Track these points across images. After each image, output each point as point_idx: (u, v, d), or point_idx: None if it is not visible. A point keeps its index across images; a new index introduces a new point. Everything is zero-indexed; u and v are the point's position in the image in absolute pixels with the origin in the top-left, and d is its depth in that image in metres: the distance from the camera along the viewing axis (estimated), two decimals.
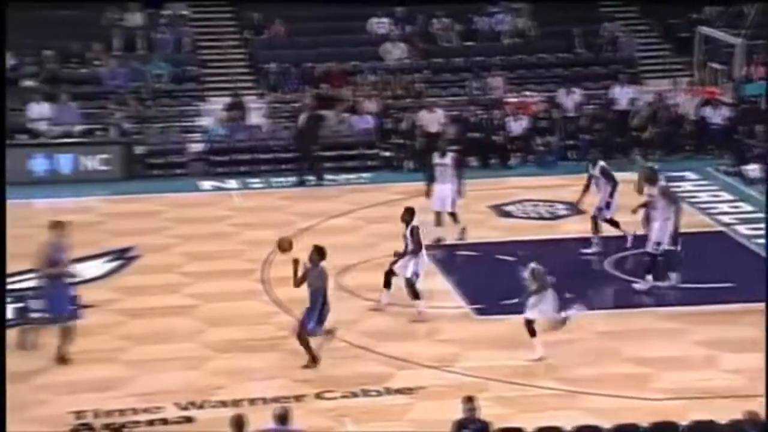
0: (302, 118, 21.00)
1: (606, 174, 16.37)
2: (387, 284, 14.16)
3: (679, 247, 14.94)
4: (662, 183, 15.38)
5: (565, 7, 25.69)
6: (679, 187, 20.00)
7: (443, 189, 16.67)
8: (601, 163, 16.56)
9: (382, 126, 22.16)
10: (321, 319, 12.53)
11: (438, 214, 16.72)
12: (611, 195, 16.27)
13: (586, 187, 16.56)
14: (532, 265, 12.82)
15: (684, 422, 10.44)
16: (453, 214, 16.79)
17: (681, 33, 25.25)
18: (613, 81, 23.78)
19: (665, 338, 13.45)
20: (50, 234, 12.81)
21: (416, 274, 14.00)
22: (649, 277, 14.82)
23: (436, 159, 16.96)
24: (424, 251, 14.12)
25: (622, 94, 22.63)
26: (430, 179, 16.89)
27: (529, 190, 19.68)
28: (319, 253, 12.66)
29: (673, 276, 14.90)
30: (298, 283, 12.56)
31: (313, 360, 12.49)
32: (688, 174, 20.76)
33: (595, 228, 16.35)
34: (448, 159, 16.92)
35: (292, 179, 20.57)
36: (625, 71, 24.21)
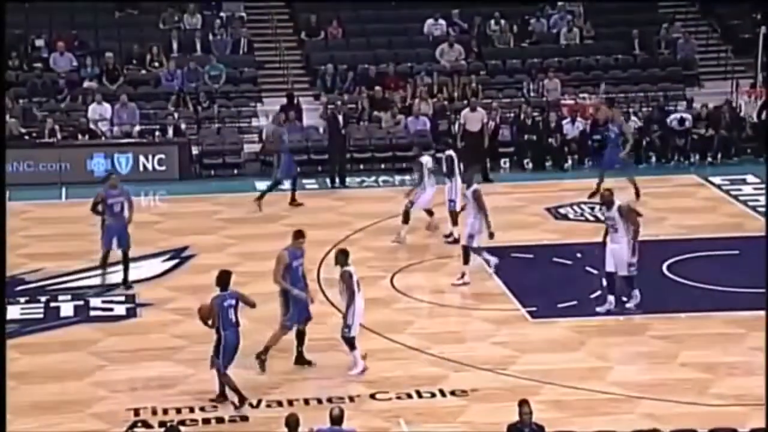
0: (339, 120, 20.98)
1: (477, 199, 15.06)
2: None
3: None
4: (620, 204, 14.08)
5: (624, 8, 25.45)
6: (739, 190, 19.74)
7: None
8: (476, 186, 15.41)
9: (437, 128, 22.14)
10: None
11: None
12: (485, 221, 14.92)
13: (463, 207, 15.73)
14: None
15: (743, 429, 10.28)
16: (427, 211, 17.07)
17: (742, 34, 24.86)
18: (671, 83, 23.53)
19: (724, 343, 13.24)
20: (292, 243, 12.86)
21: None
22: (636, 292, 13.91)
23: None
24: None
25: (681, 121, 21.91)
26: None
27: (585, 192, 19.49)
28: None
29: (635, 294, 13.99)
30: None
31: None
32: (749, 177, 20.42)
33: (466, 258, 15.02)
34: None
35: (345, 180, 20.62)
36: (684, 72, 23.94)
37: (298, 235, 12.96)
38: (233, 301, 11.83)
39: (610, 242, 14.04)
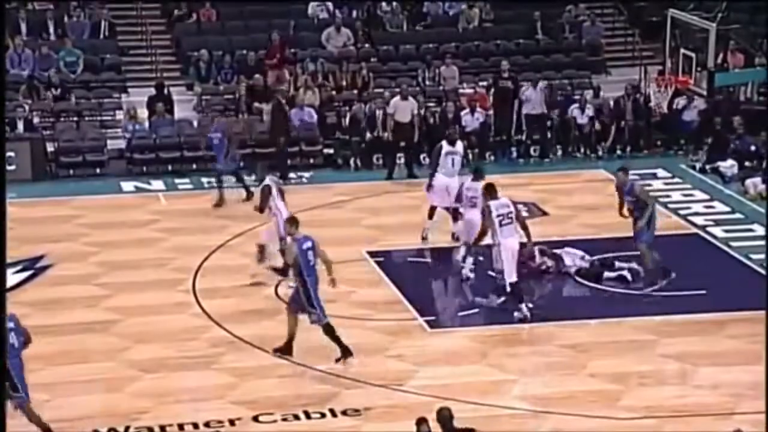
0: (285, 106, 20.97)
1: (281, 194, 15.28)
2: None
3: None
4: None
5: None
6: (649, 185, 20.32)
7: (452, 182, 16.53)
8: (268, 181, 15.39)
9: (325, 120, 22.18)
10: None
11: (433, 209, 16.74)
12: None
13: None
14: None
15: None
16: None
17: (650, 17, 25.57)
18: (576, 70, 24.07)
19: (635, 351, 13.61)
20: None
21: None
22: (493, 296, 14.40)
23: (447, 147, 16.82)
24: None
25: (584, 117, 22.32)
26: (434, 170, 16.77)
27: None
28: None
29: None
30: None
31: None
32: (659, 171, 21.04)
33: (261, 256, 15.19)
34: (460, 147, 16.91)
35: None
36: (590, 58, 24.51)
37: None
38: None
39: (510, 238, 14.07)
